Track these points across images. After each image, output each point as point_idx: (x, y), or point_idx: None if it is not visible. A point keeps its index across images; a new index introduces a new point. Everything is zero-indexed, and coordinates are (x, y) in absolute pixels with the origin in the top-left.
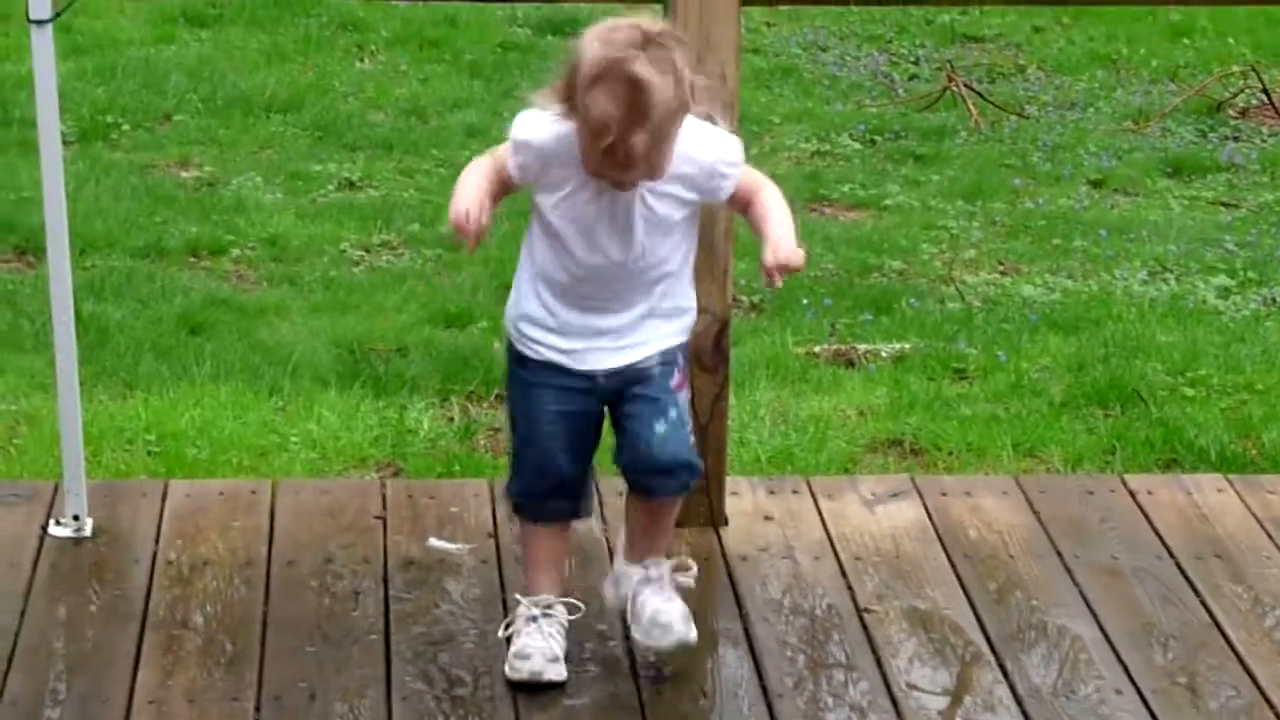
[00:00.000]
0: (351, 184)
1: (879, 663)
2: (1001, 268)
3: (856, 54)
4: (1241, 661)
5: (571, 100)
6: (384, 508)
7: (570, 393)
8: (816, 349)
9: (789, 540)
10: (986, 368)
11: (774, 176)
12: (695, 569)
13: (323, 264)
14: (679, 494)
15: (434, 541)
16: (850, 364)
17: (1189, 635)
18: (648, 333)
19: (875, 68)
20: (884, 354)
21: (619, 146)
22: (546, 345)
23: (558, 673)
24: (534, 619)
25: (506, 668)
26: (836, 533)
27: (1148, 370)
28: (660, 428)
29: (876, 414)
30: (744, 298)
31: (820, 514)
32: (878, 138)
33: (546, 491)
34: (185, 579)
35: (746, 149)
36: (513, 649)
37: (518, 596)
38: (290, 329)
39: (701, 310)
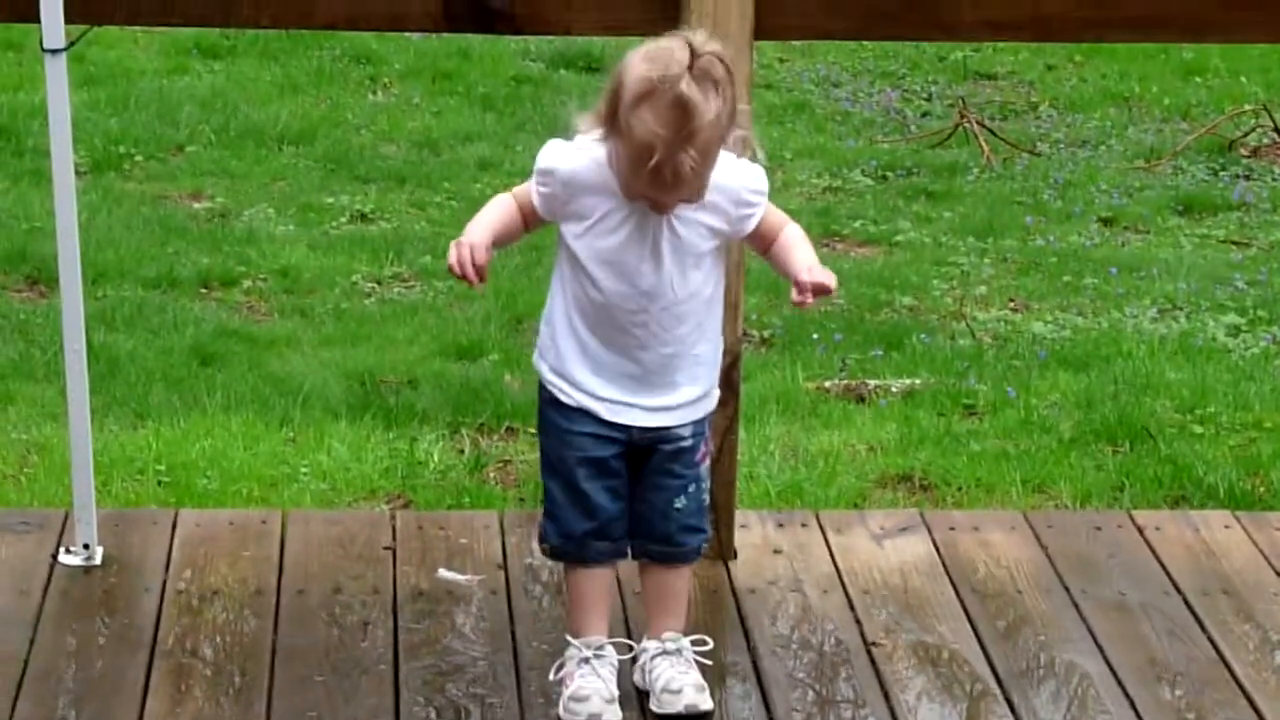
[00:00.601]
0: (363, 216)
1: (887, 697)
2: (1012, 304)
3: (869, 90)
4: (1249, 698)
5: (614, 122)
6: (394, 539)
7: (605, 441)
8: (827, 384)
9: (798, 574)
10: (996, 404)
11: (786, 212)
12: (710, 644)
13: (334, 296)
14: (689, 561)
15: (443, 573)
16: (860, 399)
17: (1196, 671)
18: (679, 386)
19: (888, 104)
20: (894, 389)
21: (664, 167)
22: (583, 390)
23: (614, 714)
24: (586, 660)
25: (562, 711)
26: (845, 566)
27: (1157, 407)
28: (680, 503)
29: (886, 449)
30: (755, 332)
31: (829, 548)
32: (890, 174)
33: (588, 534)
34: (195, 608)
35: None
36: (568, 692)
37: (568, 638)
38: (301, 360)
39: None
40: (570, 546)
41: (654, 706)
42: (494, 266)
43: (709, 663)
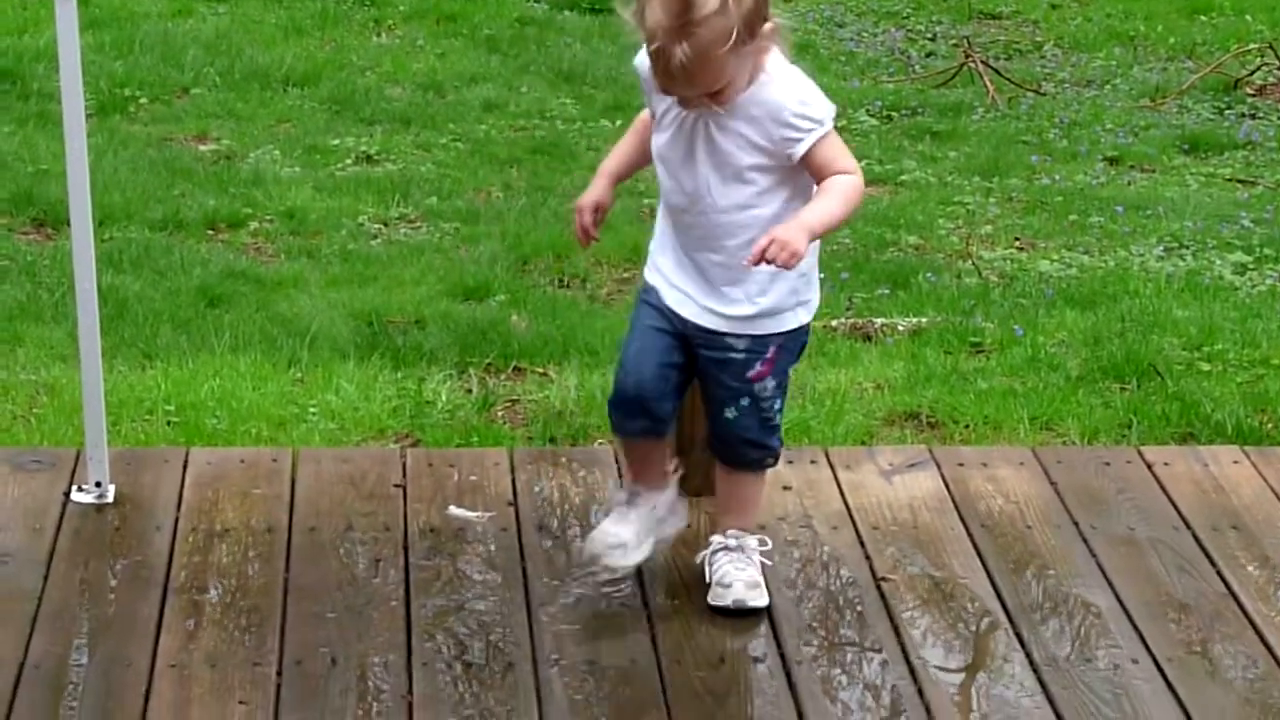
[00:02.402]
0: (369, 158)
1: (896, 631)
2: (1018, 243)
3: (873, 30)
4: (1258, 631)
5: (637, 10)
6: (404, 476)
7: (663, 319)
8: (834, 323)
9: (807, 510)
10: (1003, 342)
11: None
12: (769, 544)
13: (340, 237)
14: (750, 469)
15: (454, 509)
16: (867, 338)
17: (1205, 605)
18: (730, 297)
19: (892, 44)
20: (901, 328)
21: (661, 55)
22: (657, 270)
23: (616, 557)
24: (628, 503)
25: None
26: (854, 503)
27: (1164, 345)
28: (730, 413)
29: (893, 387)
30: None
31: (838, 484)
32: (894, 114)
33: (629, 403)
34: (206, 546)
35: None
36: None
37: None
38: (308, 301)
39: None
40: (613, 414)
41: (709, 599)
42: (499, 208)
43: (769, 562)
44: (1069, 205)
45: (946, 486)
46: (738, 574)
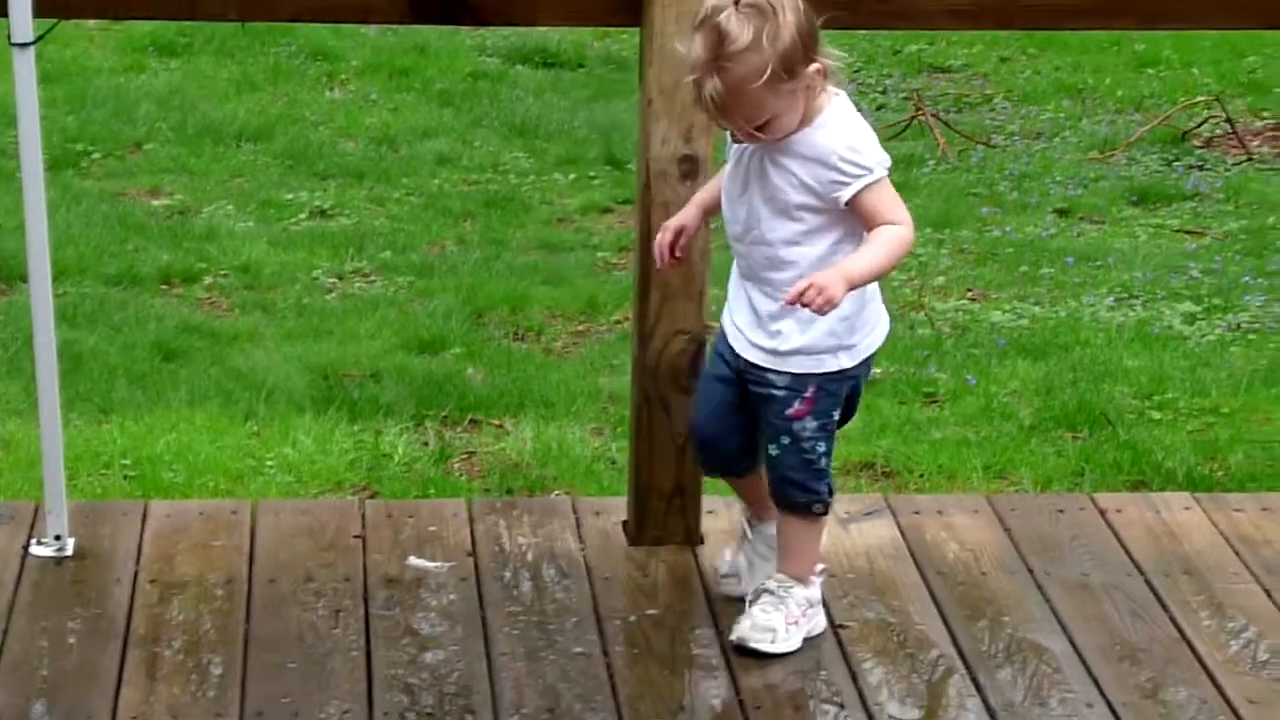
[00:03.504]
0: (323, 212)
1: (854, 677)
2: (970, 294)
3: None
4: (1210, 675)
5: None
6: (363, 527)
7: (723, 360)
8: None
9: None
10: (956, 392)
11: None
12: (814, 602)
13: (295, 291)
14: (797, 514)
15: (413, 560)
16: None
17: (1158, 650)
18: (778, 333)
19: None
20: None
21: (696, 87)
22: (726, 308)
23: (726, 585)
24: (744, 536)
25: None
26: None
27: (1115, 394)
28: (774, 450)
29: (849, 437)
30: (715, 324)
31: None
32: None
33: (696, 446)
34: (167, 598)
35: (716, 176)
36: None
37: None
38: (264, 355)
39: (678, 331)
40: (692, 449)
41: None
42: (453, 261)
43: (797, 600)
44: (1020, 256)
45: (902, 534)
46: (758, 615)
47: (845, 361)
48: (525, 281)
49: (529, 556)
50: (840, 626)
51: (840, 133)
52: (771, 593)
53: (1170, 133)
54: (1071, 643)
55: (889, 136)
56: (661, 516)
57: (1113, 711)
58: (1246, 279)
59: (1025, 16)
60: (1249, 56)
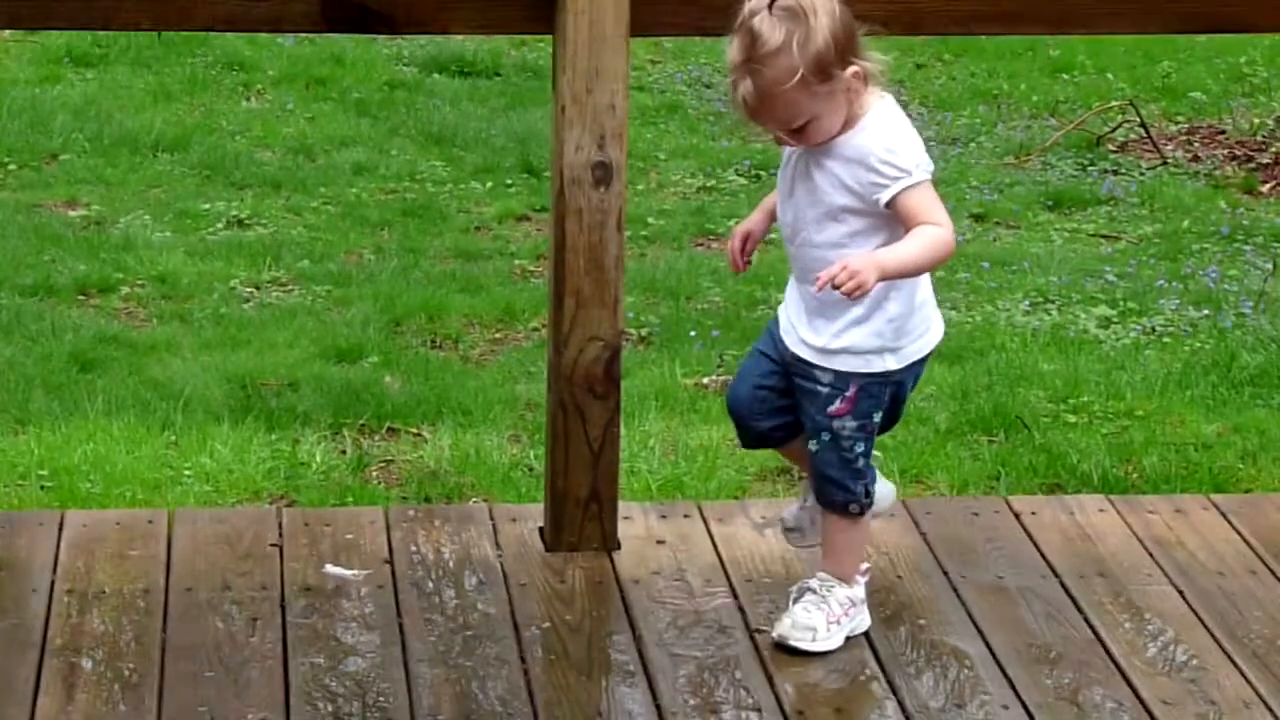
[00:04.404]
0: (240, 222)
1: (771, 682)
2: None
3: None
4: (1125, 677)
5: None
6: (280, 536)
7: (773, 341)
8: (705, 380)
9: (681, 564)
10: None
11: (660, 212)
12: (857, 601)
13: (213, 301)
14: (836, 512)
15: (330, 568)
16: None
17: (1073, 652)
18: (824, 329)
19: None
20: None
21: (732, 89)
22: (785, 298)
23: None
24: (803, 495)
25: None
26: (728, 556)
27: (1031, 398)
28: (813, 445)
29: None
30: (633, 330)
31: (712, 538)
32: (763, 173)
33: (732, 417)
34: (83, 608)
35: (632, 185)
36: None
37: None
38: (181, 365)
39: (593, 338)
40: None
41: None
42: (370, 271)
43: (839, 599)
44: None
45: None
46: (800, 614)
47: (890, 364)
48: (443, 290)
49: (446, 564)
50: (757, 632)
51: (880, 134)
52: (814, 591)
53: (1085, 138)
54: (987, 646)
55: None
56: (578, 523)
57: (1029, 714)
58: (1161, 283)
59: (934, 23)
60: (1162, 61)
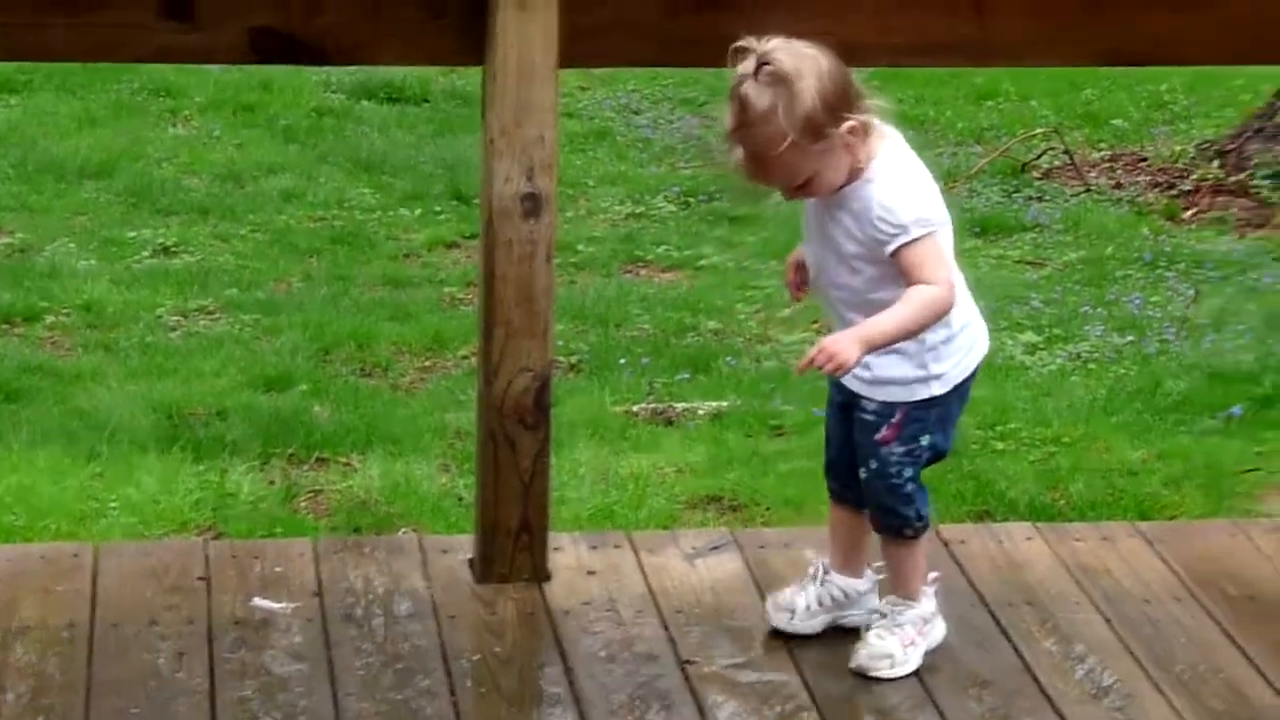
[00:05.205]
0: (167, 250)
1: (701, 713)
2: (816, 326)
3: (670, 117)
4: (1053, 704)
5: None
6: (207, 568)
7: (834, 386)
8: (635, 408)
9: (611, 594)
10: (802, 424)
11: (589, 239)
12: (927, 618)
13: (139, 330)
14: (891, 536)
15: (258, 601)
16: (669, 422)
17: (1003, 680)
18: (866, 366)
19: (689, 130)
20: (702, 412)
21: (729, 157)
22: None
23: (782, 621)
24: (813, 577)
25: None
26: (658, 586)
27: (959, 424)
28: (863, 473)
29: (696, 471)
30: (563, 359)
31: (642, 568)
32: (692, 200)
33: (825, 466)
34: (8, 643)
35: (561, 212)
36: (779, 598)
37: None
38: (107, 395)
39: (523, 368)
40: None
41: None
42: (299, 298)
43: (911, 621)
44: None
45: (749, 568)
46: (874, 642)
47: (936, 389)
48: (372, 318)
49: (376, 595)
50: (687, 663)
51: (881, 188)
52: (885, 615)
53: (1010, 164)
54: (917, 675)
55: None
56: (508, 554)
57: None
58: (1086, 309)
59: (865, 55)
60: (1085, 89)
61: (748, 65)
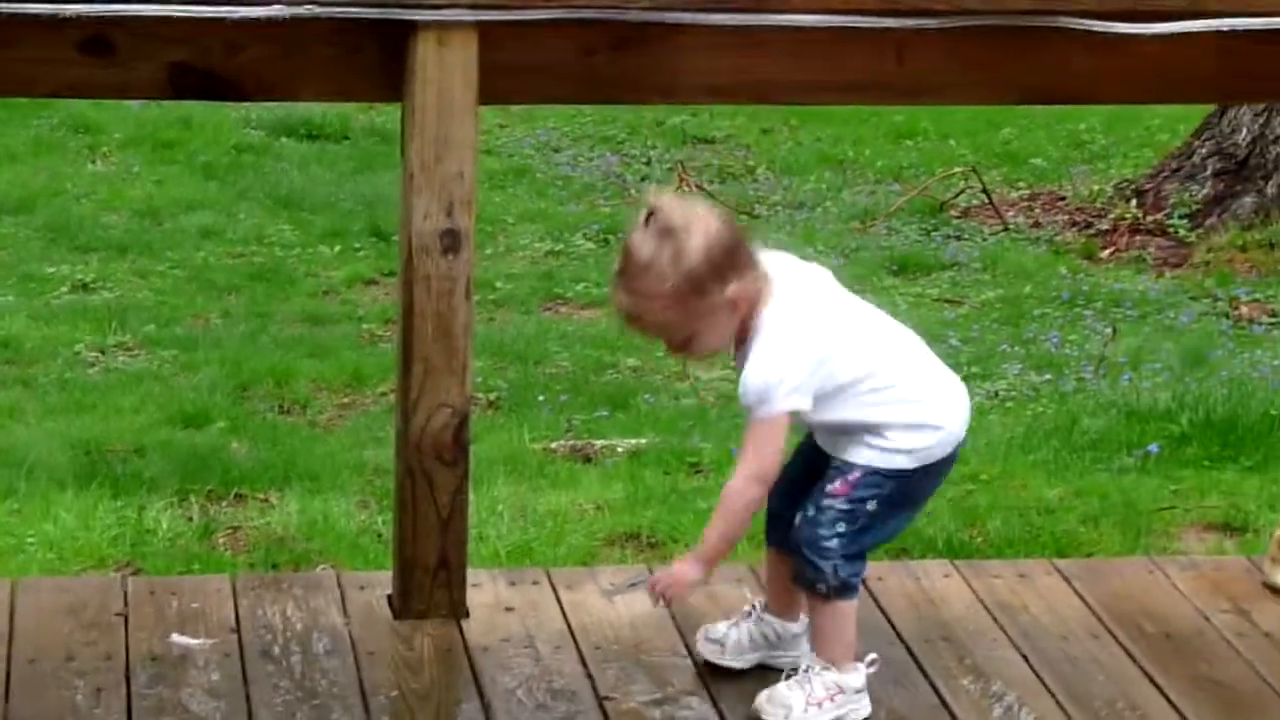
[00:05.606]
0: (85, 286)
1: None
2: (734, 365)
3: (589, 155)
4: None
5: None
6: (125, 605)
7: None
8: (554, 445)
9: (530, 631)
10: (721, 462)
11: (508, 276)
12: (836, 691)
13: (57, 366)
14: (804, 588)
15: (176, 637)
16: (587, 459)
17: (920, 717)
18: (829, 438)
19: (608, 168)
20: (620, 449)
21: (614, 299)
22: None
23: (712, 653)
24: (747, 614)
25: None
26: (577, 623)
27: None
28: (798, 518)
29: (614, 508)
30: (481, 395)
31: (560, 604)
32: (611, 237)
33: (767, 512)
34: None
35: (480, 249)
36: (710, 631)
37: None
38: (25, 431)
39: (441, 404)
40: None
41: None
42: (218, 335)
43: (825, 683)
44: None
45: (667, 605)
46: (781, 689)
47: (903, 462)
48: (290, 354)
49: (294, 632)
50: (606, 699)
51: (751, 358)
52: (802, 670)
53: (929, 203)
54: None
55: None
56: (427, 590)
57: None
58: (1004, 347)
59: (781, 92)
60: (1004, 128)
61: (640, 215)
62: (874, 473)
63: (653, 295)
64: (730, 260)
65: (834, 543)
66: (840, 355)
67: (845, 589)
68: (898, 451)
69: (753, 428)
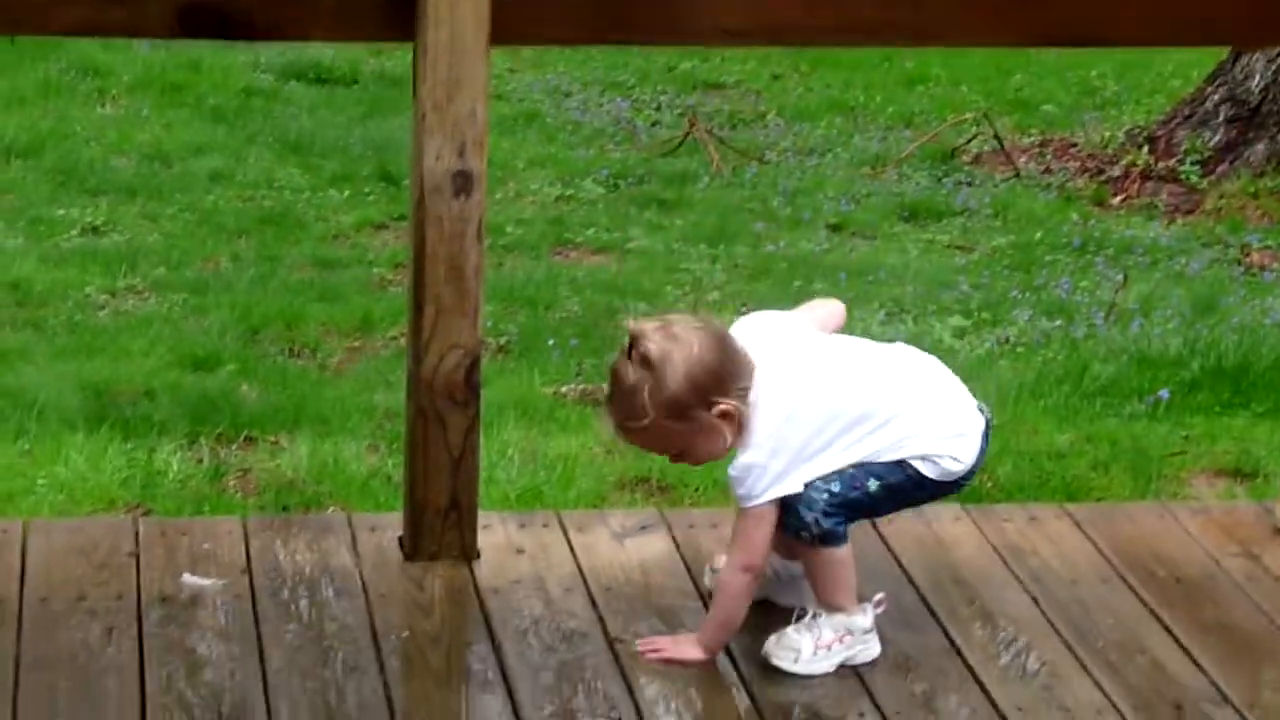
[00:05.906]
0: (95, 229)
1: (630, 691)
2: (744, 310)
3: (599, 100)
4: (980, 684)
5: None
6: (137, 545)
7: None
8: (563, 389)
9: (540, 573)
10: None
11: (518, 221)
12: (842, 634)
13: (67, 309)
14: (790, 534)
15: (187, 577)
16: (597, 403)
17: (929, 660)
18: None
19: (618, 114)
20: None
21: (604, 420)
22: None
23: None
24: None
25: None
26: (587, 565)
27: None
28: None
29: (624, 453)
30: (491, 339)
31: (571, 547)
32: (621, 183)
33: None
34: None
35: (490, 194)
36: (716, 563)
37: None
38: (35, 373)
39: (453, 346)
40: None
41: None
42: (227, 278)
43: (833, 626)
44: (794, 272)
45: (678, 548)
46: (790, 633)
47: (925, 469)
48: (300, 298)
49: (304, 574)
50: (617, 640)
51: (738, 455)
52: (810, 614)
53: (940, 149)
54: None
55: (664, 153)
56: (437, 532)
57: None
58: (1014, 293)
59: (793, 34)
60: (1015, 75)
61: (623, 343)
62: (894, 463)
63: (633, 422)
64: (715, 380)
65: (822, 496)
66: (829, 415)
67: (830, 537)
68: (924, 459)
69: (741, 518)
